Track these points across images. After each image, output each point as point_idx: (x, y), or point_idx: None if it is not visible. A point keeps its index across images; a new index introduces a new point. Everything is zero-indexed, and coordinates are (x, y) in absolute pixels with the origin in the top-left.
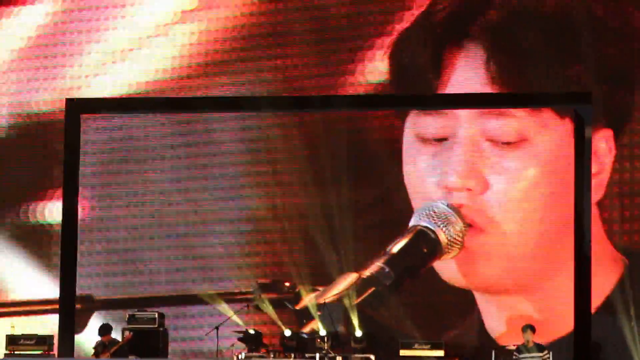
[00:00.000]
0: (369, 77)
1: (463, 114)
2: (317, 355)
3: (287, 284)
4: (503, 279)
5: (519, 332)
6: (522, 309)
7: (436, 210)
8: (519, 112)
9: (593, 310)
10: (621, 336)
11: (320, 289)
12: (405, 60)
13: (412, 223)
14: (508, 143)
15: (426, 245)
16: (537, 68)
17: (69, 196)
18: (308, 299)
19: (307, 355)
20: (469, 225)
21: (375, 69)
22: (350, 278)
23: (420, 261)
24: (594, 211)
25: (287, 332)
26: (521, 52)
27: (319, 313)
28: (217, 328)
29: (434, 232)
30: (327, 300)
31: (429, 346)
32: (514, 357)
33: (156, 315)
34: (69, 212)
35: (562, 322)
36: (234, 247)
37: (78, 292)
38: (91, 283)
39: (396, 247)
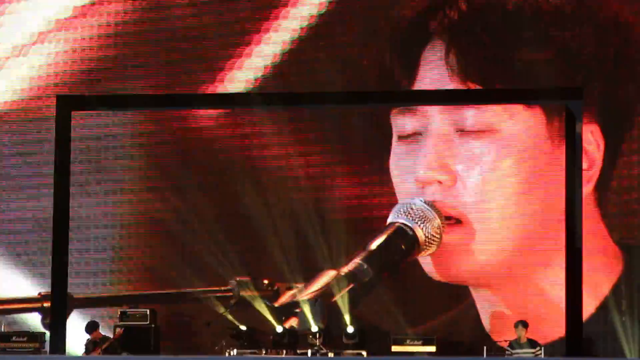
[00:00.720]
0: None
1: (435, 107)
2: (309, 351)
3: (265, 281)
4: (484, 272)
5: (502, 326)
6: (505, 304)
7: (413, 207)
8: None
9: (593, 310)
10: (613, 330)
11: (299, 286)
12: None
13: (390, 220)
14: (477, 132)
15: (404, 242)
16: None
17: (60, 193)
18: (286, 297)
19: (299, 351)
20: (448, 219)
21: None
22: (329, 275)
23: (399, 258)
24: (592, 207)
25: (279, 329)
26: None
27: (297, 310)
28: (208, 324)
29: (411, 229)
30: (305, 298)
31: (420, 342)
32: (506, 352)
33: (148, 312)
34: (61, 209)
35: (552, 318)
36: (219, 243)
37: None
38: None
39: (374, 244)
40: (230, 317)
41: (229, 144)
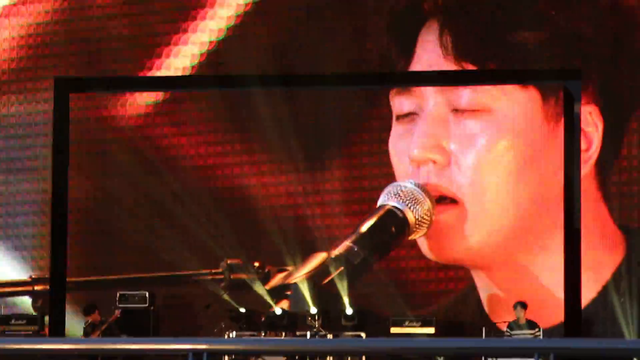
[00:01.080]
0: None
1: (430, 87)
2: (308, 333)
3: (256, 264)
4: (479, 253)
5: (499, 309)
6: (500, 287)
7: (404, 190)
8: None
9: (595, 294)
10: (612, 313)
11: (290, 268)
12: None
13: (380, 202)
14: (472, 112)
15: (394, 225)
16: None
17: (58, 176)
18: (277, 279)
19: (297, 333)
20: (442, 199)
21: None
22: (319, 257)
23: (389, 240)
24: (594, 189)
25: (278, 311)
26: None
27: (288, 292)
28: (207, 307)
29: (402, 211)
30: (295, 281)
31: (419, 323)
32: (505, 333)
33: (147, 295)
34: (59, 192)
35: (550, 304)
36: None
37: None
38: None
39: (364, 227)
40: (227, 298)
41: (226, 126)
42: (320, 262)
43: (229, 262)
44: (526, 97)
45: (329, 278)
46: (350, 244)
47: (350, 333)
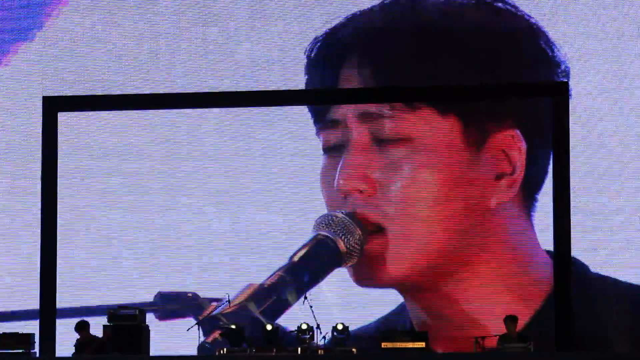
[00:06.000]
0: None
1: (355, 119)
2: (299, 348)
3: (189, 294)
4: (407, 278)
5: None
6: (432, 310)
7: (335, 219)
8: (403, 112)
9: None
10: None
11: (222, 299)
12: None
13: (313, 232)
14: (395, 142)
15: (326, 254)
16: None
17: (48, 196)
18: (210, 310)
19: (289, 349)
20: (369, 227)
21: None
22: (251, 287)
23: (321, 270)
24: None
25: (269, 327)
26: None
27: (221, 323)
28: (198, 324)
29: (333, 241)
30: (226, 311)
31: (410, 338)
32: (497, 346)
33: (137, 312)
34: (49, 213)
35: (483, 318)
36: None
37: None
38: None
39: (297, 257)
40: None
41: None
42: (250, 293)
43: (161, 292)
44: (446, 125)
45: (263, 308)
46: (282, 274)
47: (341, 348)
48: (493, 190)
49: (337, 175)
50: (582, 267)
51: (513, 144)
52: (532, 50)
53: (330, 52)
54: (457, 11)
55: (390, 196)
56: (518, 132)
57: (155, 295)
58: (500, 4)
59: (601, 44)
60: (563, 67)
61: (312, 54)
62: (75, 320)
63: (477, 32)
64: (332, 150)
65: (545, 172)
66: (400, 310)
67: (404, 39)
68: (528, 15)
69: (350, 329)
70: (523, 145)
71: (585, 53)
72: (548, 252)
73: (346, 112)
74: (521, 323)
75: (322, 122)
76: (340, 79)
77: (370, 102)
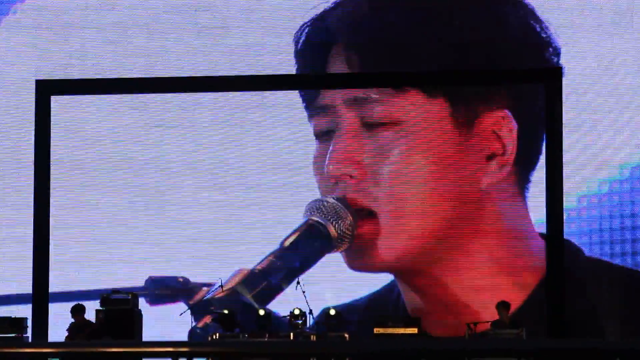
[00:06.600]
0: None
1: (343, 105)
2: (292, 334)
3: (180, 279)
4: (400, 261)
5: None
6: (426, 291)
7: (326, 205)
8: (391, 96)
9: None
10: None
11: (214, 283)
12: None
13: (304, 217)
14: (384, 125)
15: (318, 239)
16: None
17: (40, 182)
18: (201, 295)
19: (281, 334)
20: (359, 212)
21: None
22: (242, 272)
23: (312, 255)
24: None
25: (262, 312)
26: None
27: (212, 308)
28: (191, 308)
29: (324, 226)
30: (217, 296)
31: (403, 323)
32: (490, 332)
33: (130, 296)
34: (41, 198)
35: (474, 303)
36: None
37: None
38: None
39: (288, 241)
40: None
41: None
42: (242, 277)
43: (151, 276)
44: (435, 107)
45: (254, 292)
46: (273, 259)
47: (334, 334)
48: (484, 171)
49: (326, 160)
50: (576, 251)
51: (503, 124)
52: (523, 30)
53: (318, 38)
54: None
55: (381, 180)
56: (508, 112)
57: (146, 280)
58: None
59: (592, 27)
60: (554, 45)
61: (300, 41)
62: (68, 304)
63: (465, 14)
64: (323, 136)
65: (539, 152)
66: (390, 287)
67: (392, 23)
68: None
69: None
70: (514, 126)
71: (575, 36)
72: (542, 234)
73: (335, 97)
74: (514, 307)
75: (312, 108)
76: (329, 64)
77: (359, 87)
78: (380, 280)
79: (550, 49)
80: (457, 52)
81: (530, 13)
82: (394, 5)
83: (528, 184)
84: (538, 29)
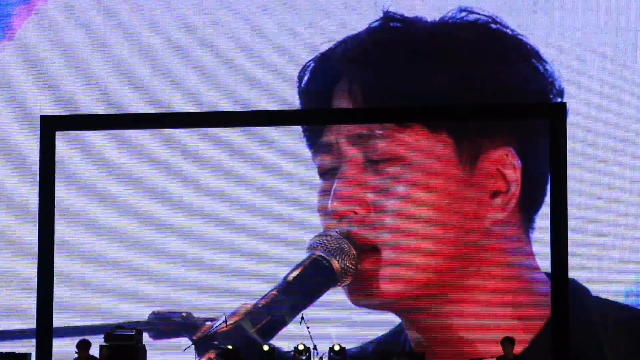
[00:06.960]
0: None
1: (347, 142)
2: None
3: (183, 313)
4: (402, 298)
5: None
6: (428, 329)
7: (329, 239)
8: (394, 132)
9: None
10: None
11: (217, 318)
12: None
13: (307, 251)
14: (387, 161)
15: (321, 274)
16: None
17: (45, 216)
18: (204, 330)
19: None
20: (364, 248)
21: None
22: (245, 307)
23: (316, 289)
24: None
25: (265, 347)
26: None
27: (216, 342)
28: (195, 343)
29: (328, 260)
30: (221, 330)
31: (407, 358)
32: None
33: (134, 332)
34: (46, 233)
35: (477, 338)
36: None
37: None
38: None
39: (291, 276)
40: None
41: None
42: (245, 312)
43: (155, 311)
44: (438, 143)
45: (258, 327)
46: (276, 293)
47: None
48: (488, 208)
49: (330, 197)
50: (581, 290)
51: (507, 162)
52: (526, 69)
53: (322, 75)
54: (448, 31)
55: (384, 217)
56: (512, 150)
57: (150, 315)
58: (493, 25)
59: (596, 62)
60: (557, 85)
61: (304, 78)
62: (72, 339)
63: (469, 52)
64: (327, 174)
65: (544, 193)
66: (398, 330)
67: (396, 60)
68: (520, 35)
69: (347, 349)
70: (518, 163)
71: (580, 72)
72: (546, 273)
73: (338, 134)
74: (519, 343)
75: (316, 146)
76: (333, 100)
77: (362, 123)
78: (386, 315)
79: (554, 90)
80: (460, 90)
81: (534, 52)
82: (398, 41)
83: (533, 223)
84: (542, 70)
